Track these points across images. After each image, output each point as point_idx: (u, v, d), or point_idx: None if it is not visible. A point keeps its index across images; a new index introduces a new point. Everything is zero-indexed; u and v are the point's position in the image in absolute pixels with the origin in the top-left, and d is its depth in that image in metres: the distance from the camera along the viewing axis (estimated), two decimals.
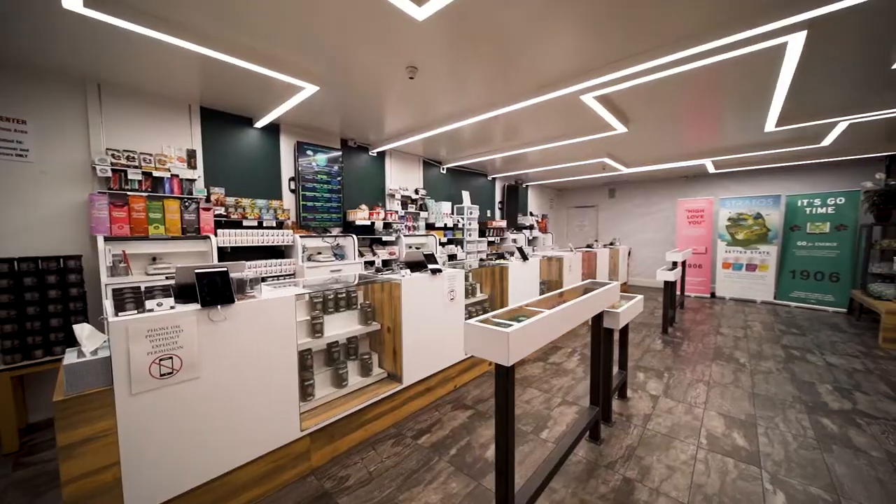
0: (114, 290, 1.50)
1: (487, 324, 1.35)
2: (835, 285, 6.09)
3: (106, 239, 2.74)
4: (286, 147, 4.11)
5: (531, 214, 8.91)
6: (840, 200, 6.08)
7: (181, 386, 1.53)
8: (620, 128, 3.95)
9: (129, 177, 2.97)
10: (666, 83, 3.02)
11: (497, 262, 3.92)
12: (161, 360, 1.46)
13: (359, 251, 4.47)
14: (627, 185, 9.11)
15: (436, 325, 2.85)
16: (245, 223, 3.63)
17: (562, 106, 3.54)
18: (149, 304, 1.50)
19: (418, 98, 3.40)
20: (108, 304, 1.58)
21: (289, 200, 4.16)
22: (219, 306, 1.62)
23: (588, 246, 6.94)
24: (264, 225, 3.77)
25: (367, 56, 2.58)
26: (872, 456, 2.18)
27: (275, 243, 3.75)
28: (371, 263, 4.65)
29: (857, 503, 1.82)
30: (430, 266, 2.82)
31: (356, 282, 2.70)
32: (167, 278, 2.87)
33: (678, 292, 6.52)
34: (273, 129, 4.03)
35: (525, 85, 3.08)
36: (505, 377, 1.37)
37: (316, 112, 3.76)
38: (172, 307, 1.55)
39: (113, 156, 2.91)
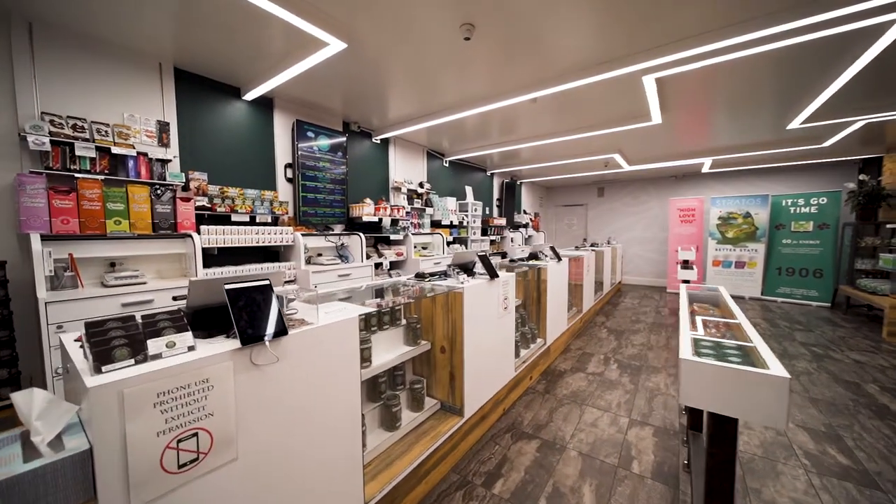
0: (88, 325, 0.87)
1: (720, 361, 0.91)
2: (818, 281, 6.39)
3: (44, 238, 1.96)
4: (282, 126, 3.41)
5: (525, 213, 8.66)
6: (822, 200, 6.39)
7: (210, 477, 0.93)
8: (657, 118, 3.70)
9: (78, 153, 2.18)
10: (718, 69, 2.77)
11: (532, 262, 3.51)
12: (180, 440, 0.86)
13: (365, 252, 3.86)
14: (616, 183, 9.15)
15: (492, 341, 2.38)
16: (234, 218, 2.91)
17: (603, 90, 3.20)
18: (153, 345, 0.89)
19: (459, 66, 2.83)
20: (74, 351, 0.95)
21: (285, 191, 3.46)
22: (266, 341, 1.04)
23: (593, 245, 6.77)
24: (257, 220, 3.07)
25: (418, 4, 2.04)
26: None
27: (273, 243, 3.06)
28: (378, 266, 4.06)
29: None
30: (475, 270, 2.34)
31: (414, 289, 2.15)
32: (175, 299, 2.14)
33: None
34: (265, 105, 3.31)
35: (584, 60, 2.69)
36: (727, 442, 0.93)
37: (318, 85, 3.11)
38: (191, 347, 0.94)
39: (53, 123, 2.11)
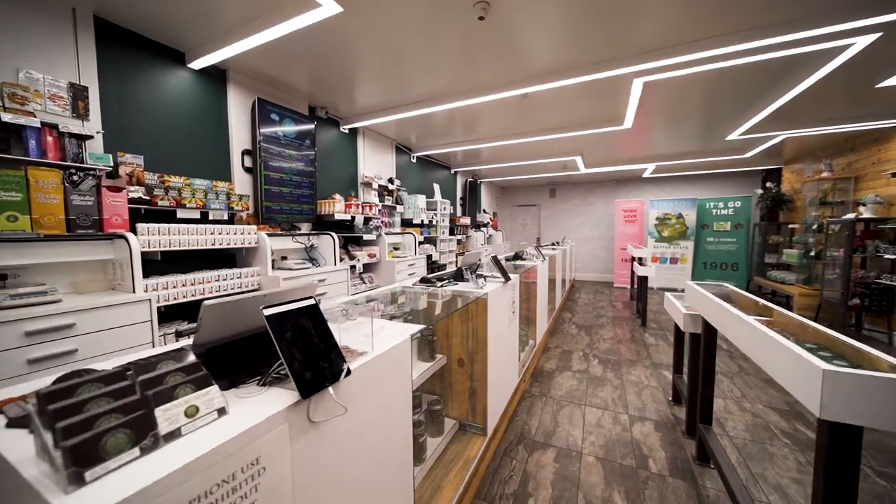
0: (45, 395, 0.50)
1: (853, 368, 0.84)
2: (735, 273, 7.41)
3: None
4: (239, 106, 2.84)
5: (484, 212, 8.70)
6: (738, 204, 7.41)
7: None
8: (628, 122, 3.87)
9: None
10: (696, 79, 2.96)
11: (520, 262, 3.43)
12: None
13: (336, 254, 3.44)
14: (567, 185, 9.66)
15: (505, 349, 2.22)
16: (181, 214, 2.33)
17: (575, 93, 3.25)
18: (165, 416, 0.55)
19: (466, 51, 2.60)
20: (10, 446, 0.56)
21: (242, 183, 2.90)
22: (329, 388, 0.73)
23: (555, 244, 7.01)
24: (210, 217, 2.51)
25: None
26: None
27: (233, 245, 2.53)
28: (352, 269, 3.67)
29: None
30: (481, 273, 2.16)
31: (445, 298, 1.88)
32: (179, 336, 1.57)
33: (630, 286, 7.07)
34: (217, 77, 2.73)
35: (581, 59, 2.65)
36: (852, 453, 0.88)
37: (282, 59, 2.65)
38: (222, 411, 0.61)
39: None
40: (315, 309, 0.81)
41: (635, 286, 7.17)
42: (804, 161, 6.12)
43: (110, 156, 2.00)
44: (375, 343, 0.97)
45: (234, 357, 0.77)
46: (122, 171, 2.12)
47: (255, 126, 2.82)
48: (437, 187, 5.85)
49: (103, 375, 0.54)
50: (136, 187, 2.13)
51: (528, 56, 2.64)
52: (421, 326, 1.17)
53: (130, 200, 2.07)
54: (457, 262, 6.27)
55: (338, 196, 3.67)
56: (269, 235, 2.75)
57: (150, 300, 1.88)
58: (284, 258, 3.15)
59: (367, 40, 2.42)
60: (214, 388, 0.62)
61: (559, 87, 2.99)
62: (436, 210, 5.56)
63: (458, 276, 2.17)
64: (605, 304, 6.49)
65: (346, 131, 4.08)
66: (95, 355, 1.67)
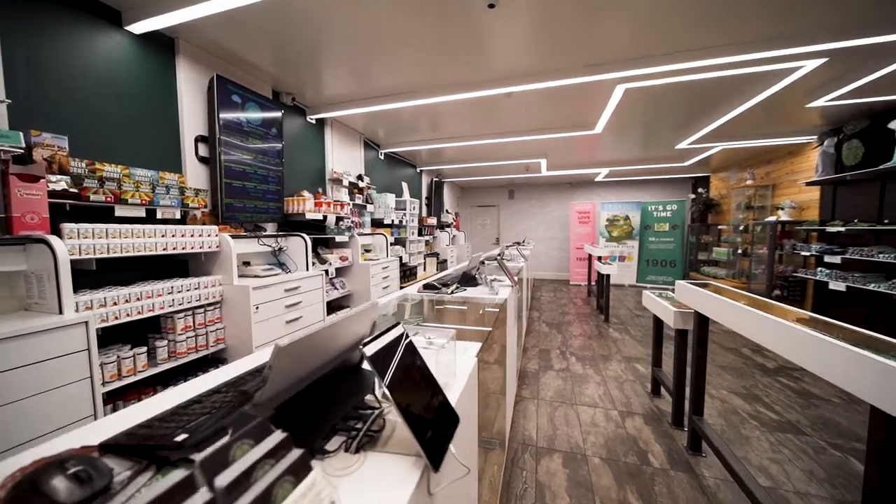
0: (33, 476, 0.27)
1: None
2: (673, 269, 8.23)
3: None
4: (192, 82, 2.38)
5: (447, 212, 8.62)
6: (674, 207, 8.24)
7: None
8: (599, 127, 4.04)
9: None
10: (665, 89, 3.17)
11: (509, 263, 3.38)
12: None
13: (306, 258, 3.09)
14: (525, 187, 9.97)
15: (511, 356, 2.12)
16: (120, 212, 1.87)
17: (546, 97, 3.33)
18: None
19: (467, 42, 2.47)
20: None
21: (196, 175, 2.44)
22: (452, 447, 0.55)
23: (518, 243, 7.14)
24: (159, 217, 2.06)
25: None
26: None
27: (191, 249, 2.10)
28: (326, 273, 3.33)
29: None
30: (472, 280, 2.06)
31: (469, 306, 1.70)
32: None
33: (590, 283, 7.48)
34: (163, 46, 2.26)
35: (574, 60, 2.67)
36: None
37: (244, 31, 2.29)
38: None
39: None
40: (408, 341, 0.62)
41: (592, 283, 7.62)
42: (729, 170, 6.98)
43: (20, 134, 1.52)
44: (460, 376, 0.80)
45: (302, 413, 0.55)
46: (39, 154, 1.62)
47: (214, 109, 2.39)
48: (405, 186, 5.62)
49: (163, 492, 0.32)
50: (60, 177, 1.65)
51: (498, 57, 2.63)
52: (477, 344, 1.01)
53: (52, 194, 1.59)
54: (424, 264, 6.10)
55: (306, 193, 3.30)
56: (234, 237, 2.35)
57: (86, 322, 1.46)
58: (247, 263, 2.73)
59: (336, 19, 2.17)
60: (318, 474, 0.42)
61: (532, 90, 3.01)
62: (405, 210, 5.33)
63: (463, 280, 2.03)
64: (567, 302, 6.78)
65: (314, 122, 3.70)
66: None
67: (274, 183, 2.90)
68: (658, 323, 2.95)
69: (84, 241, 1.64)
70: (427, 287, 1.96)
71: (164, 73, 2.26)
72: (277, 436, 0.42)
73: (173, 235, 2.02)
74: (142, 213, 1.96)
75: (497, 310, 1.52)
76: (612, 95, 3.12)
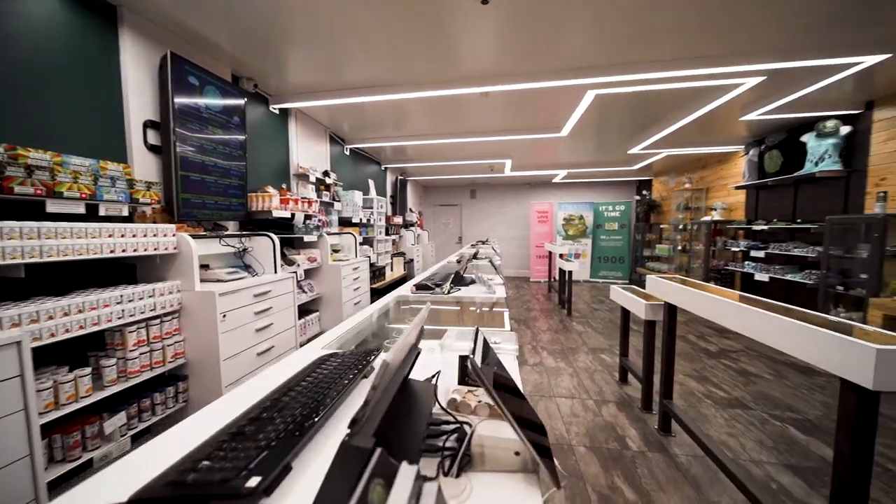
0: None
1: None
2: (621, 265, 8.92)
3: None
4: (139, 58, 2.05)
5: (411, 210, 8.51)
6: (622, 207, 8.93)
7: None
8: (566, 130, 4.23)
9: None
10: (628, 96, 3.41)
11: (485, 262, 3.40)
12: None
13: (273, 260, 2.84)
14: (487, 187, 10.17)
15: None
16: (53, 207, 1.56)
17: (533, 96, 3.44)
18: None
19: (444, 37, 2.42)
20: None
21: (146, 166, 2.12)
22: (558, 463, 0.52)
23: (482, 241, 7.25)
24: (102, 213, 1.76)
25: None
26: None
27: (146, 251, 1.82)
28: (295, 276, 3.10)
29: None
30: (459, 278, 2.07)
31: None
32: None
33: (550, 279, 7.82)
34: (102, 11, 1.92)
35: (548, 63, 2.75)
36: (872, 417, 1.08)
37: (199, 3, 2.04)
38: None
39: None
40: (486, 344, 0.58)
41: (553, 280, 8.01)
42: (668, 174, 7.72)
43: None
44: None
45: (391, 437, 0.49)
46: None
47: (168, 91, 2.09)
48: (371, 183, 5.43)
49: None
50: None
51: (475, 56, 2.66)
52: (513, 346, 0.99)
53: None
54: (392, 263, 5.96)
55: (271, 189, 3.04)
56: (194, 237, 2.09)
57: (18, 343, 1.19)
58: (205, 266, 2.45)
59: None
60: None
61: (502, 91, 3.08)
62: (372, 208, 5.16)
63: (456, 280, 1.99)
64: (530, 298, 7.04)
65: (277, 112, 3.42)
66: None
67: (236, 177, 2.63)
68: (626, 315, 3.16)
69: (9, 242, 1.34)
70: (420, 287, 1.90)
71: (104, 45, 1.93)
72: (408, 472, 0.35)
73: (122, 235, 1.74)
74: (80, 208, 1.66)
75: (505, 309, 1.51)
76: (582, 100, 3.27)
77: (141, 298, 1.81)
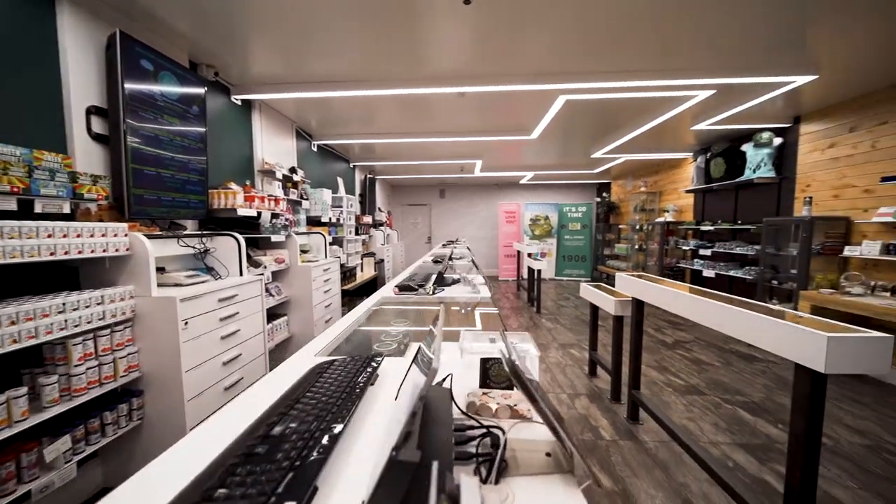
0: None
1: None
2: (584, 264, 9.37)
3: None
4: (81, 35, 1.81)
5: (380, 210, 8.35)
6: (584, 209, 9.38)
7: None
8: (536, 133, 4.36)
9: None
10: (597, 102, 3.59)
11: (462, 262, 3.41)
12: None
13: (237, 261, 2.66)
14: (456, 187, 10.23)
15: None
16: None
17: (504, 98, 3.51)
18: None
19: (420, 34, 2.39)
20: None
21: (90, 157, 1.88)
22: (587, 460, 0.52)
23: (452, 241, 7.28)
24: (38, 210, 1.54)
25: None
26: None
27: (93, 253, 1.62)
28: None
29: None
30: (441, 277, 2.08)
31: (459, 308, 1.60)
32: None
33: (519, 278, 8.01)
34: None
35: (523, 66, 2.82)
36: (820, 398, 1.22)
37: None
38: None
39: None
40: (510, 347, 0.57)
41: (522, 279, 8.23)
42: (626, 178, 8.22)
43: None
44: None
45: (427, 447, 0.46)
46: None
47: (117, 74, 1.86)
48: (340, 182, 5.26)
49: None
50: None
51: (450, 55, 2.66)
52: (532, 345, 1.00)
53: None
54: (362, 264, 5.81)
55: (234, 186, 2.84)
56: (149, 237, 1.89)
57: None
58: (162, 269, 2.23)
59: None
60: None
61: (476, 92, 3.12)
62: (342, 207, 4.99)
63: (439, 280, 1.98)
64: (500, 296, 7.18)
65: (239, 103, 3.20)
66: None
67: (196, 172, 2.42)
68: (595, 312, 3.32)
69: None
70: (403, 288, 1.86)
71: (38, 19, 1.69)
72: (472, 483, 0.34)
73: (64, 235, 1.53)
74: (12, 204, 1.44)
75: (495, 309, 1.52)
76: (553, 104, 3.39)
77: (87, 306, 1.61)
